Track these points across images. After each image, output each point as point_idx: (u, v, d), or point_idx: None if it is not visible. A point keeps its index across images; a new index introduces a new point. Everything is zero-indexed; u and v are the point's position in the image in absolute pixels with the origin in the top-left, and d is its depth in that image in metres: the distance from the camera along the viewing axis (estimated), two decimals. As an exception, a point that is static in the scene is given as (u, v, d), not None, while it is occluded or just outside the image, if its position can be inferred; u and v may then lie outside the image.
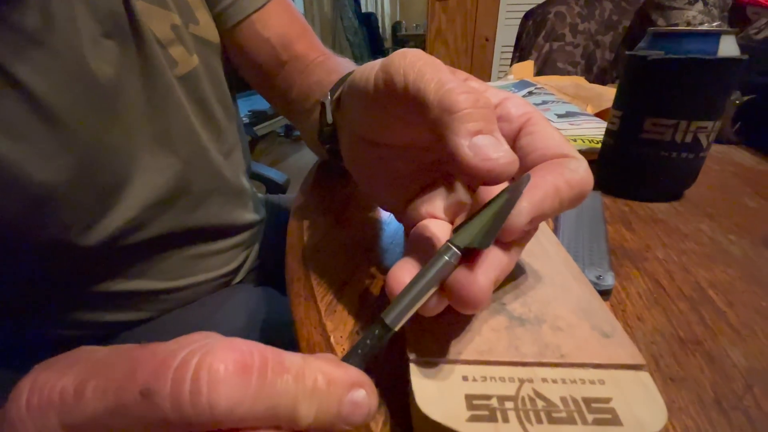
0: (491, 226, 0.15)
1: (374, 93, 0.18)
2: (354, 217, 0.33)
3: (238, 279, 0.55)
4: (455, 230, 0.16)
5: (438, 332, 0.17)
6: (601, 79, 1.55)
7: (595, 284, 0.23)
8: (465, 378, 0.15)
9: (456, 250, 0.15)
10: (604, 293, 0.23)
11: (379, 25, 4.78)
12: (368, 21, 4.42)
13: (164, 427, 0.11)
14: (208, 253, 0.49)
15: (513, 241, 0.16)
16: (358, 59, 2.95)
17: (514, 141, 0.18)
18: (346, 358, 0.15)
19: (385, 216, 0.33)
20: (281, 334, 0.45)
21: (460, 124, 0.15)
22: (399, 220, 0.24)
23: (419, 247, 0.19)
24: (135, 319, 0.46)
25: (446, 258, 0.15)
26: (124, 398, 0.11)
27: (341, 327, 0.21)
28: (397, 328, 0.15)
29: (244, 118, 2.26)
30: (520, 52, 1.62)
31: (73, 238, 0.36)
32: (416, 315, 0.15)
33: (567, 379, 0.15)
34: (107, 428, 0.12)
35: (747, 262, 0.27)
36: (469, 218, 0.16)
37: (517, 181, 0.16)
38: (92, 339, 0.45)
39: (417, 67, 0.16)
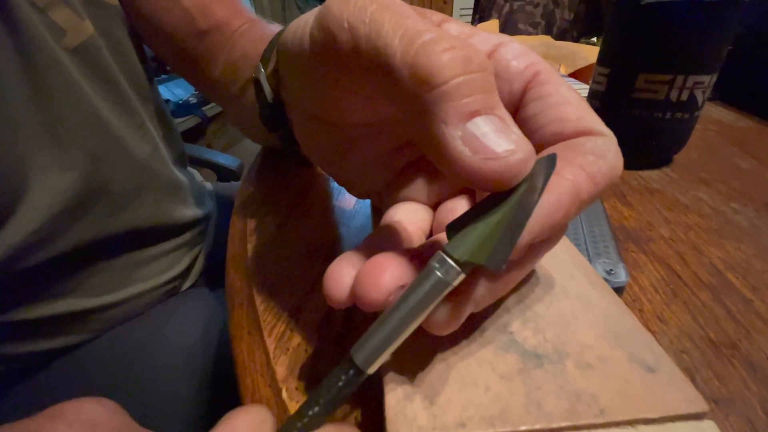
0: (504, 234, 0.10)
1: (311, 58, 0.13)
2: (311, 213, 0.27)
3: (187, 284, 0.48)
4: (449, 229, 0.11)
5: (427, 387, 0.12)
6: (561, 40, 1.53)
7: (605, 281, 0.19)
8: (474, 466, 0.10)
9: (453, 263, 0.10)
10: (617, 291, 0.19)
11: (331, -10, 4.50)
12: (319, -14, 4.15)
13: None
14: (144, 260, 0.42)
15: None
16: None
17: (516, 109, 0.13)
18: (302, 414, 0.11)
19: (350, 208, 0.28)
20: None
21: (446, 102, 0.09)
22: (378, 205, 0.20)
23: (379, 239, 0.15)
24: (64, 346, 0.39)
25: (439, 275, 0.10)
26: None
27: (296, 373, 0.16)
28: (371, 371, 0.11)
29: (191, 98, 2.07)
30: (480, 14, 1.56)
31: None
32: (402, 351, 0.12)
33: (613, 447, 0.11)
34: None
35: (757, 235, 0.24)
36: (470, 215, 0.11)
37: (536, 164, 0.11)
38: (14, 373, 0.38)
39: (368, 13, 0.11)
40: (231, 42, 0.34)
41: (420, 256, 0.13)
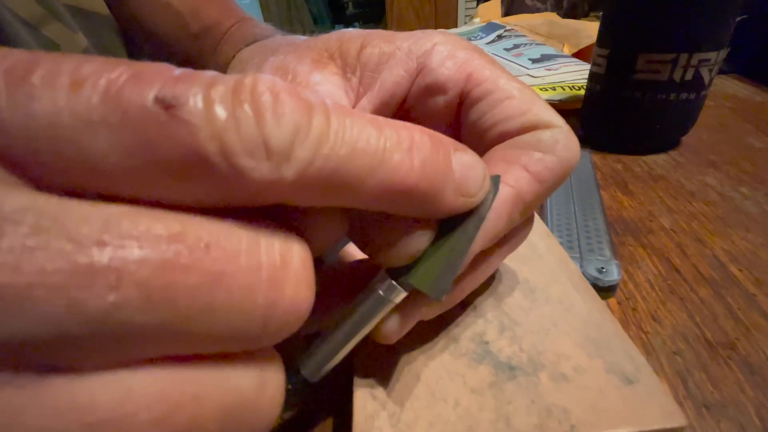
0: (447, 261, 0.10)
1: None
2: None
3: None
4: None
5: (396, 402, 0.12)
6: (572, 14, 1.47)
7: (596, 280, 0.18)
8: (436, 489, 0.10)
9: (394, 283, 0.10)
10: (609, 290, 0.19)
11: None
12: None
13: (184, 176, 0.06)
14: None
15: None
16: (317, 18, 2.71)
17: (458, 116, 0.13)
18: None
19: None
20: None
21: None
22: None
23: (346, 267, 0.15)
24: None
25: (380, 293, 0.10)
26: (116, 101, 0.06)
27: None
28: (314, 380, 0.11)
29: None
30: (485, -9, 1.51)
31: None
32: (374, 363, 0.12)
33: (582, 467, 0.10)
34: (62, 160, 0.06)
35: (766, 221, 0.23)
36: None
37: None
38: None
39: None
40: (220, 46, 0.33)
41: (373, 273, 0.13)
